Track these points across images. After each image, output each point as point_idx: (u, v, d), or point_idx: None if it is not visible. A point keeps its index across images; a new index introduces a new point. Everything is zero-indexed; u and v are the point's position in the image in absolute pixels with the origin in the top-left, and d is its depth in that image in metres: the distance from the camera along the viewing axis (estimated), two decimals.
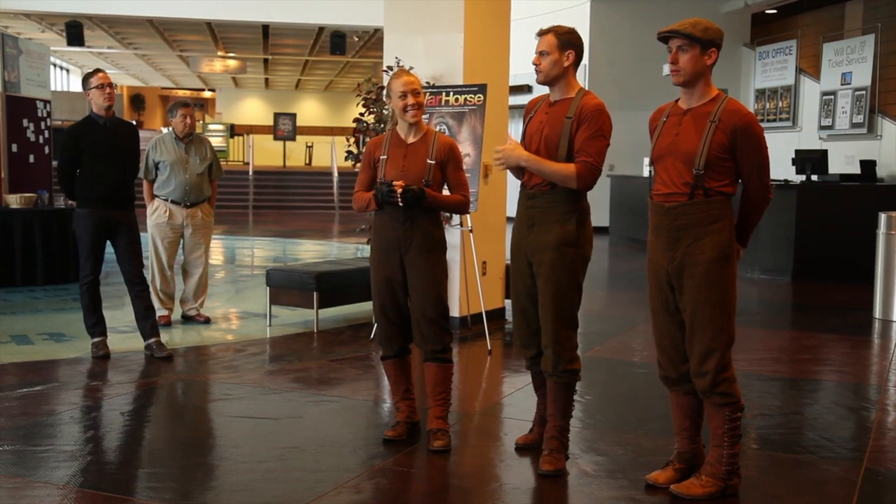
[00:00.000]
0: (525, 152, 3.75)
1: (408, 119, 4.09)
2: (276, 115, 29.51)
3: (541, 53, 3.76)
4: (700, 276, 3.40)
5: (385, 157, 4.15)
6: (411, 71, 4.38)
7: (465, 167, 4.55)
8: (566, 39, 3.76)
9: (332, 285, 6.90)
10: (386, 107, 6.92)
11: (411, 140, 4.15)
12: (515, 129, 16.69)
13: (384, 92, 7.00)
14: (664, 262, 3.50)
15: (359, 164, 7.15)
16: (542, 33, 3.81)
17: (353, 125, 7.45)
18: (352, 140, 7.73)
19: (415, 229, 4.07)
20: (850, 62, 14.33)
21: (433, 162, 4.09)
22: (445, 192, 4.20)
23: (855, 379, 5.74)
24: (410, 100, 4.06)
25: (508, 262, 7.17)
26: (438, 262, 4.13)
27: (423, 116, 4.23)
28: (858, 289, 9.36)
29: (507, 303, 7.45)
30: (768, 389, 5.41)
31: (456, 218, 6.56)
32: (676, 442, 3.70)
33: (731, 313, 3.45)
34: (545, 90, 3.92)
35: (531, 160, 3.72)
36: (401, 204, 3.99)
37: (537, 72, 3.79)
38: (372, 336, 6.48)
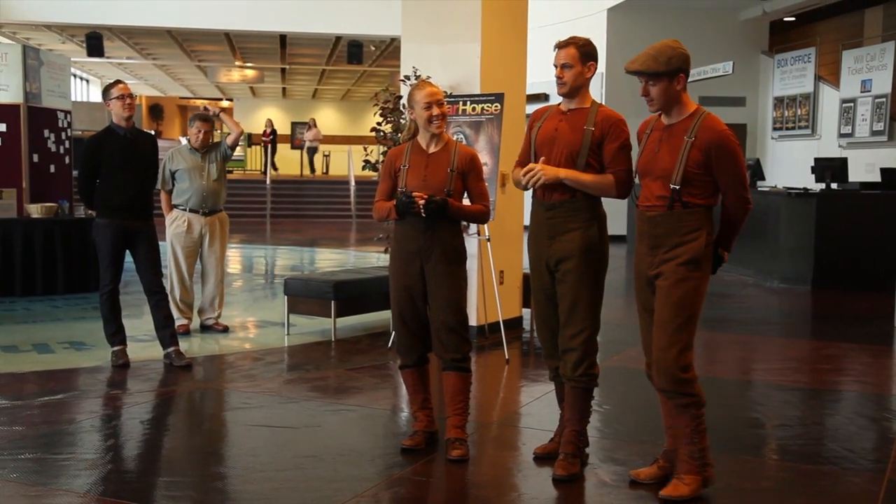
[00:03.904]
0: (563, 169, 3.78)
1: (432, 129, 4.10)
2: (294, 125, 29.61)
3: (563, 66, 3.82)
4: (669, 275, 3.52)
5: (406, 166, 4.15)
6: (430, 81, 4.38)
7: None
8: (587, 51, 3.85)
9: (349, 294, 6.91)
10: (403, 116, 6.94)
11: (432, 150, 4.15)
12: None
13: (405, 102, 7.03)
14: (645, 266, 3.64)
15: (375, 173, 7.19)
16: (561, 45, 3.86)
17: (371, 134, 7.47)
18: (370, 149, 7.74)
19: (436, 239, 4.07)
20: (869, 69, 14.25)
21: (455, 171, 4.10)
22: (465, 201, 4.21)
23: (876, 389, 5.69)
24: (436, 110, 4.07)
25: (526, 271, 7.18)
26: (459, 272, 4.14)
27: None
28: (879, 298, 9.28)
29: (525, 312, 7.43)
30: (788, 399, 5.38)
31: (473, 227, 6.56)
32: (666, 440, 3.82)
33: (694, 315, 3.55)
34: (558, 98, 3.99)
35: (570, 175, 3.77)
36: (423, 215, 3.99)
37: (561, 84, 3.85)
38: (390, 345, 6.49)
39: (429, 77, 6.70)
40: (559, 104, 3.97)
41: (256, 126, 33.10)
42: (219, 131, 22.48)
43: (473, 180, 4.16)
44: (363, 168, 7.48)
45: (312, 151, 26.69)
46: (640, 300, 3.73)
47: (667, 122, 3.59)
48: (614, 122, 3.81)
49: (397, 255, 4.19)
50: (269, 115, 34.65)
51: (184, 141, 7.02)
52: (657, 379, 3.58)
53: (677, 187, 3.49)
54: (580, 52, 3.81)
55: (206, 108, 7.11)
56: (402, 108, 6.97)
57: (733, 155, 3.48)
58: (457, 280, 4.12)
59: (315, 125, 27.19)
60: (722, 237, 3.65)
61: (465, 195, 4.22)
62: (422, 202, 3.97)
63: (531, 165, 3.81)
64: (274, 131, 26.09)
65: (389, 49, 21.42)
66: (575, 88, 3.84)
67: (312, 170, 26.63)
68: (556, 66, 3.84)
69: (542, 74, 12.67)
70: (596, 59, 3.87)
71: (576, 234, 3.80)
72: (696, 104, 3.59)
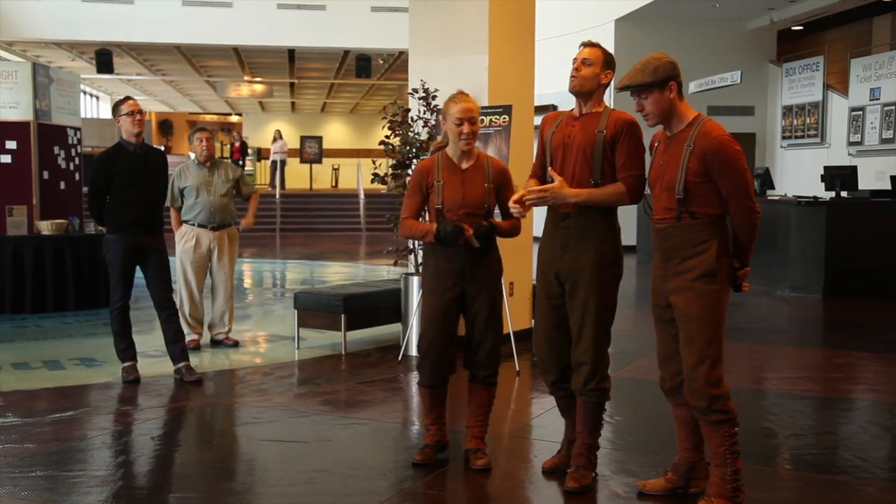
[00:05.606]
0: (573, 190, 3.73)
1: (461, 146, 4.06)
2: (303, 138, 29.72)
3: (584, 60, 3.78)
4: (685, 292, 3.48)
5: (440, 182, 4.08)
6: (467, 95, 4.18)
7: None
8: (609, 59, 3.84)
9: (359, 307, 6.90)
10: (412, 129, 6.94)
11: (465, 165, 4.10)
12: None
13: (413, 115, 7.04)
14: (659, 279, 3.62)
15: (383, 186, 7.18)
16: (588, 44, 3.84)
17: (380, 147, 7.47)
18: (379, 162, 7.73)
19: (479, 259, 4.05)
20: (878, 77, 14.22)
21: (491, 186, 4.08)
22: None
23: (890, 398, 5.65)
24: (466, 128, 4.02)
25: (535, 282, 7.16)
26: (497, 288, 4.13)
27: None
28: (891, 305, 9.23)
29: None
30: (801, 409, 5.35)
31: None
32: (678, 453, 3.80)
33: (719, 328, 3.49)
34: (566, 106, 3.93)
35: (580, 196, 3.72)
36: (477, 245, 3.96)
37: (575, 77, 3.79)
38: (400, 358, 6.48)
39: (437, 90, 6.73)
40: (571, 110, 3.93)
41: (265, 140, 33.30)
42: (220, 143, 22.32)
43: (506, 193, 4.09)
44: (372, 181, 7.48)
45: (279, 165, 23.98)
46: (655, 313, 3.70)
47: (669, 133, 3.58)
48: (625, 123, 3.75)
49: (435, 273, 4.10)
50: (279, 129, 34.82)
51: (192, 156, 7.05)
52: (690, 398, 3.50)
53: (681, 197, 3.46)
54: (604, 57, 3.81)
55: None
56: (410, 122, 6.98)
57: (732, 161, 3.40)
58: (498, 299, 4.12)
59: (281, 137, 25.55)
60: (734, 249, 3.58)
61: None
62: (471, 233, 3.94)
63: (546, 187, 3.75)
64: (243, 144, 25.15)
65: (397, 62, 21.51)
66: (587, 88, 3.78)
67: (281, 185, 23.08)
68: (576, 60, 3.80)
69: (550, 86, 12.68)
70: (613, 71, 3.85)
71: (590, 248, 3.76)
72: (697, 112, 3.55)
